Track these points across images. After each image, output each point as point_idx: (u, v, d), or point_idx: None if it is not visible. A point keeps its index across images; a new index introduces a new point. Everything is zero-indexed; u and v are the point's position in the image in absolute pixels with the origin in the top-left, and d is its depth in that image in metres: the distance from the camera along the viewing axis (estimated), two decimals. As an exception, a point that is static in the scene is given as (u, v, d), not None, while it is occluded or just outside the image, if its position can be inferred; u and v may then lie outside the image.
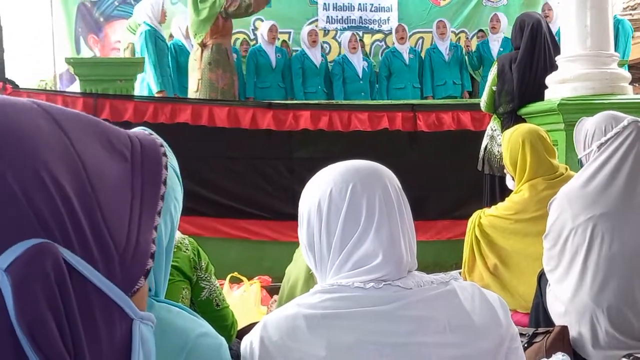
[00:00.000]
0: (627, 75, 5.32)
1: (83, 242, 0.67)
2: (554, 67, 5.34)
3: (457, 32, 10.91)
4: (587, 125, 3.01)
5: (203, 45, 7.24)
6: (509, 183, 3.84)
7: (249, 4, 7.44)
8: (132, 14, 8.96)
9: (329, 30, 11.01)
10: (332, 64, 9.29)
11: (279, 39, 9.85)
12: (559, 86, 5.17)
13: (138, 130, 0.77)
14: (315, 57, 8.90)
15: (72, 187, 0.67)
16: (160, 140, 0.81)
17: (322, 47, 9.76)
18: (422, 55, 9.67)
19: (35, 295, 0.61)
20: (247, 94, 8.47)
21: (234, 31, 7.98)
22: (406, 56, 9.17)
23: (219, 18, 7.21)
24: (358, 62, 9.00)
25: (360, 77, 8.92)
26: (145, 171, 0.75)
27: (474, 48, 9.59)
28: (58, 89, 9.11)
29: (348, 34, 9.45)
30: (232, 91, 7.36)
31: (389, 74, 9.21)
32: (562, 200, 2.91)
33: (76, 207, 0.67)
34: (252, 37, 10.36)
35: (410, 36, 10.59)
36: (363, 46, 10.11)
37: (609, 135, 2.89)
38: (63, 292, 0.63)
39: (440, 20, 9.59)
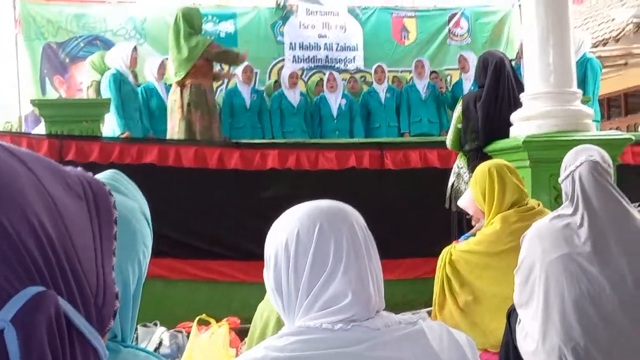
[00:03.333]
0: (591, 111, 5.40)
1: (68, 287, 0.66)
2: (518, 104, 5.40)
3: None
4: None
5: (182, 86, 7.22)
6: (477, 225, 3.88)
7: (237, 54, 7.56)
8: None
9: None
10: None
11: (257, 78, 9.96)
12: (524, 123, 5.23)
13: (72, 168, 0.77)
14: (294, 97, 8.90)
15: (53, 231, 0.66)
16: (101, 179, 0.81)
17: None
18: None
19: (42, 348, 0.61)
20: (223, 134, 8.43)
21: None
22: (382, 95, 9.23)
23: (200, 59, 7.23)
24: (335, 101, 9.03)
25: (335, 116, 8.94)
26: (100, 211, 0.75)
27: (449, 87, 9.75)
28: (23, 131, 9.03)
29: (327, 73, 9.49)
30: (209, 134, 7.31)
31: (367, 113, 9.28)
32: (533, 236, 2.91)
33: (59, 251, 0.66)
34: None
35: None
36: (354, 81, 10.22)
37: (565, 174, 2.93)
38: (61, 341, 0.63)
39: (419, 60, 9.64)
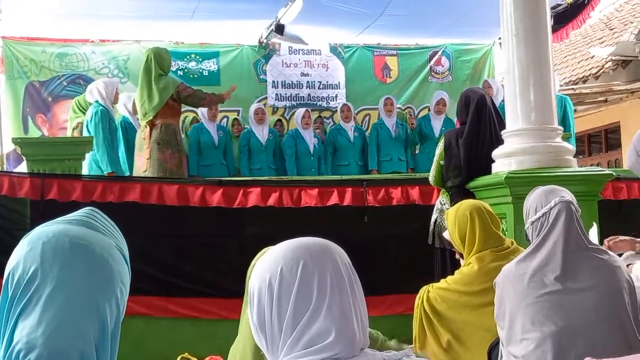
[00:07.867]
0: (571, 148, 5.44)
1: None
2: (499, 141, 5.43)
3: (403, 108, 11.12)
4: (528, 200, 3.09)
5: (152, 125, 7.22)
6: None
7: (204, 97, 7.58)
8: (80, 94, 8.89)
9: (277, 108, 11.15)
10: (282, 139, 9.27)
11: (227, 117, 9.99)
12: (506, 160, 5.25)
13: None
14: (261, 134, 8.85)
15: None
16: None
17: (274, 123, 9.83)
18: (368, 131, 9.74)
19: None
20: (190, 172, 8.38)
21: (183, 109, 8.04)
22: (351, 134, 9.23)
23: (170, 99, 7.25)
24: (310, 139, 9.03)
25: (312, 153, 8.94)
26: None
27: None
28: (5, 170, 8.98)
29: (302, 110, 9.40)
30: (180, 171, 7.33)
31: (334, 150, 9.27)
32: (505, 281, 2.94)
33: None
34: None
35: (357, 113, 10.75)
36: (320, 123, 10.22)
37: (537, 215, 2.98)
38: None
39: (388, 97, 9.61)
